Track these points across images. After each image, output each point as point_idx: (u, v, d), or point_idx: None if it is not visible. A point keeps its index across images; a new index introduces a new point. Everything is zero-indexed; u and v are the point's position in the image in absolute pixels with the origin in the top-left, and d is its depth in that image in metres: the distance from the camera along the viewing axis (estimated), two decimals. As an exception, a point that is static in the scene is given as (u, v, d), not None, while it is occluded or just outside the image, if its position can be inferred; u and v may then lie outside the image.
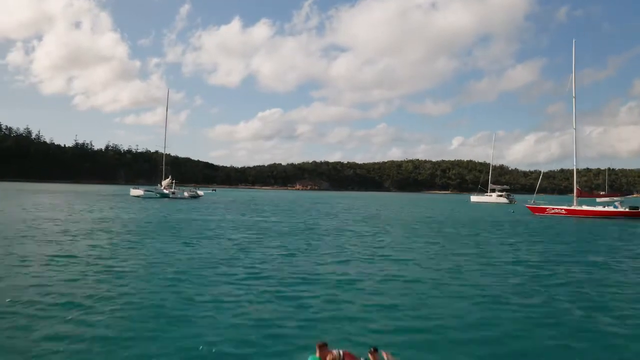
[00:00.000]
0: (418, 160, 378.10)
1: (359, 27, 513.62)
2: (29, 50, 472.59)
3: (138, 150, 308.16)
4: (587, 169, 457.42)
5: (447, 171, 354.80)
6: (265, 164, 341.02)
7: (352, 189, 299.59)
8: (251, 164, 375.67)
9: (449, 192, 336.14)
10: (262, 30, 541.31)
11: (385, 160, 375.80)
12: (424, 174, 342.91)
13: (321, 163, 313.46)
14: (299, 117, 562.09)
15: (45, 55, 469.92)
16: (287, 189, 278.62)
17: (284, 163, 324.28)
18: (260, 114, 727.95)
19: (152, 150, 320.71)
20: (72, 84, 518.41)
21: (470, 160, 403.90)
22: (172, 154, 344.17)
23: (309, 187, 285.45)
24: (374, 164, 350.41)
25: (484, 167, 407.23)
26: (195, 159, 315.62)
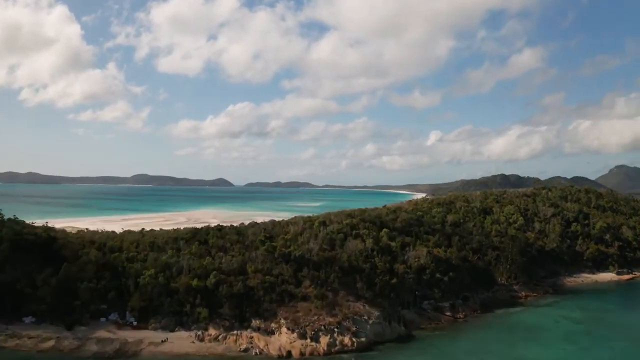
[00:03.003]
0: (517, 193, 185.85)
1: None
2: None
3: None
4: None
5: (586, 222, 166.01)
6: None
7: (441, 311, 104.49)
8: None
9: (623, 275, 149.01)
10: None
11: (450, 187, 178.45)
12: (553, 235, 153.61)
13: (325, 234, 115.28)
14: (271, 111, 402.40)
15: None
16: None
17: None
18: (230, 107, 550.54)
19: None
20: (14, 74, 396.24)
21: (586, 188, 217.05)
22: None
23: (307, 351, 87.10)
24: (431, 203, 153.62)
25: (616, 199, 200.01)
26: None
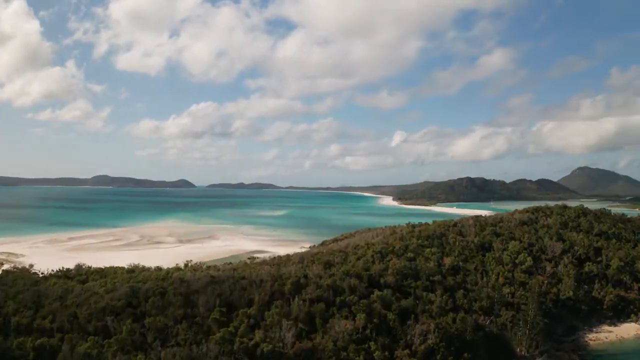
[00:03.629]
0: (514, 221, 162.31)
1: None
2: None
3: None
4: None
5: (599, 259, 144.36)
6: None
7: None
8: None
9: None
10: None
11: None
12: (568, 280, 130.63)
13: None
14: (235, 111, 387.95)
15: None
16: None
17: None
18: (193, 107, 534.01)
19: None
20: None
21: (583, 209, 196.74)
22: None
23: None
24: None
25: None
26: None
